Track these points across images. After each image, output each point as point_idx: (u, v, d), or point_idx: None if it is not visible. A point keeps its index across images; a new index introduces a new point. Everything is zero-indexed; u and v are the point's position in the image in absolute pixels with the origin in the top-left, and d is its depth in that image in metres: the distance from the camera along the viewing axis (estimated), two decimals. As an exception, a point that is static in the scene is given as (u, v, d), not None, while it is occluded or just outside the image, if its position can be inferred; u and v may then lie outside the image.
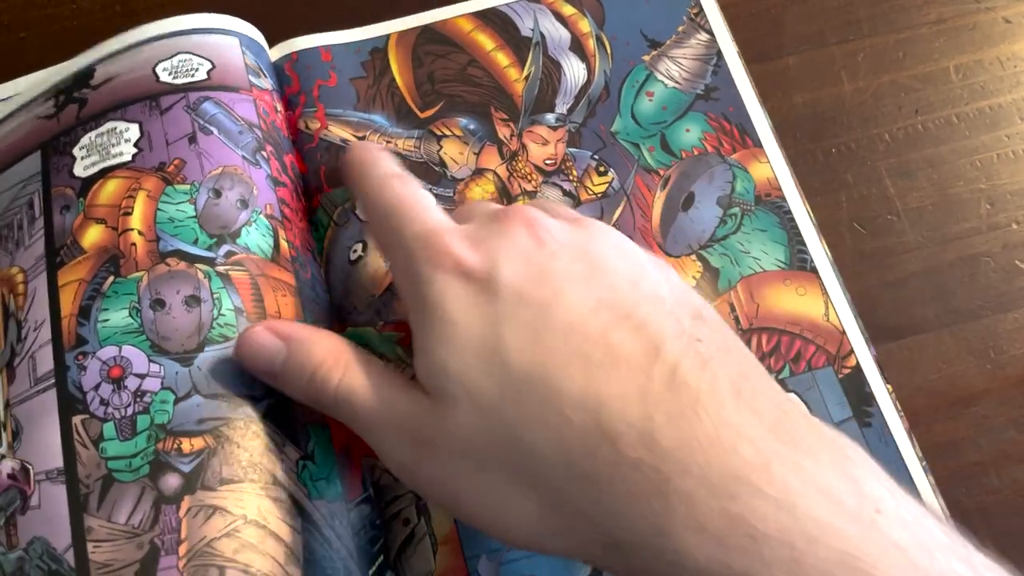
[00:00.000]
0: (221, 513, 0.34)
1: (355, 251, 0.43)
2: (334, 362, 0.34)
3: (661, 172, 0.46)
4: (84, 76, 0.43)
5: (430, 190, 0.44)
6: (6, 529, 0.33)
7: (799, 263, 0.45)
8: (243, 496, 0.34)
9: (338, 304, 0.42)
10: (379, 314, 0.42)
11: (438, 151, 0.46)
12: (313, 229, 0.44)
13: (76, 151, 0.41)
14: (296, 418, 0.36)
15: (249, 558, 0.33)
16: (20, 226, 0.40)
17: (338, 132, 0.46)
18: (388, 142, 0.46)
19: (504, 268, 0.32)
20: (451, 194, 0.45)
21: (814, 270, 0.44)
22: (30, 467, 0.34)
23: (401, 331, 0.41)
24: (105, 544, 0.33)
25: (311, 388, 0.34)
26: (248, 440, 0.35)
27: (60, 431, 0.35)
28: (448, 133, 0.47)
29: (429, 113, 0.47)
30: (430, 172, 0.46)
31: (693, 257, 0.44)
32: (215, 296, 0.38)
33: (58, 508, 0.33)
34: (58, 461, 0.34)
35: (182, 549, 0.33)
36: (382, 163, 0.39)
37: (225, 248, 0.39)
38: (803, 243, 0.45)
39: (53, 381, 0.36)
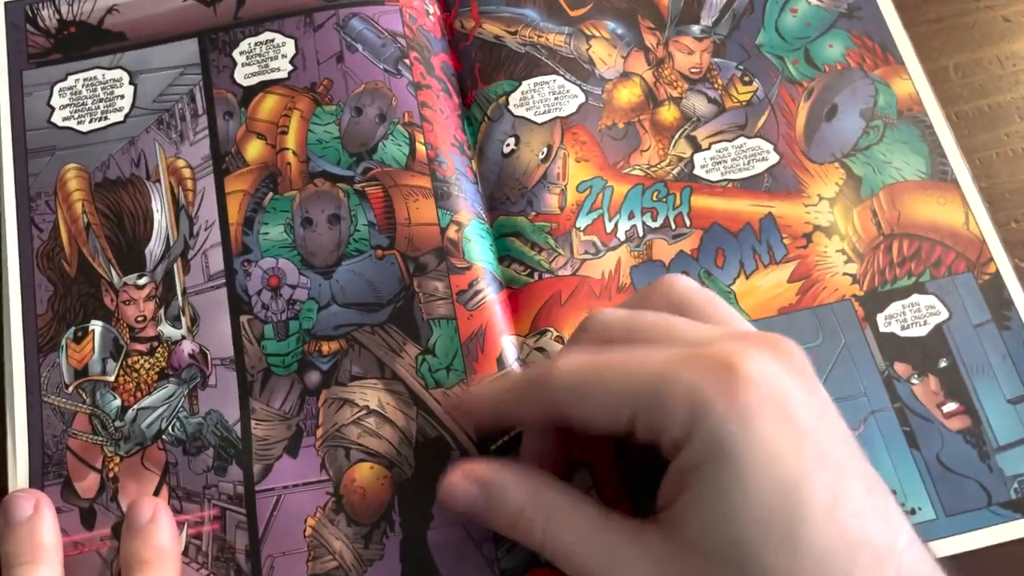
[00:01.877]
0: (349, 404, 0.40)
1: (508, 144, 0.46)
2: (532, 510, 0.33)
3: (805, 84, 0.47)
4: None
5: (579, 86, 0.47)
6: (189, 398, 0.41)
7: (940, 174, 0.45)
8: (367, 390, 0.40)
9: (489, 194, 0.45)
10: (531, 204, 0.45)
11: (587, 50, 0.48)
12: (467, 124, 0.47)
13: (236, 55, 0.46)
14: (419, 316, 0.41)
15: (368, 442, 0.39)
16: (183, 117, 0.46)
17: (491, 29, 0.48)
18: (539, 36, 0.48)
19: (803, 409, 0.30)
20: (599, 91, 0.47)
21: (955, 181, 0.45)
22: (208, 352, 0.41)
23: (552, 221, 0.44)
24: (264, 423, 0.40)
25: (517, 535, 0.34)
26: (374, 342, 0.41)
27: (231, 326, 0.41)
28: (597, 34, 0.48)
29: (579, 12, 0.49)
30: (579, 69, 0.47)
31: (836, 165, 0.45)
32: (352, 213, 0.43)
33: (230, 389, 0.41)
34: (230, 352, 0.41)
35: (319, 432, 0.40)
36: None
37: (363, 165, 0.43)
38: (944, 155, 0.45)
39: (224, 281, 0.42)
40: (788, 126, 0.46)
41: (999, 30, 0.49)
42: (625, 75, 0.48)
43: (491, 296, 0.42)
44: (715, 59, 0.48)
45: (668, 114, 0.47)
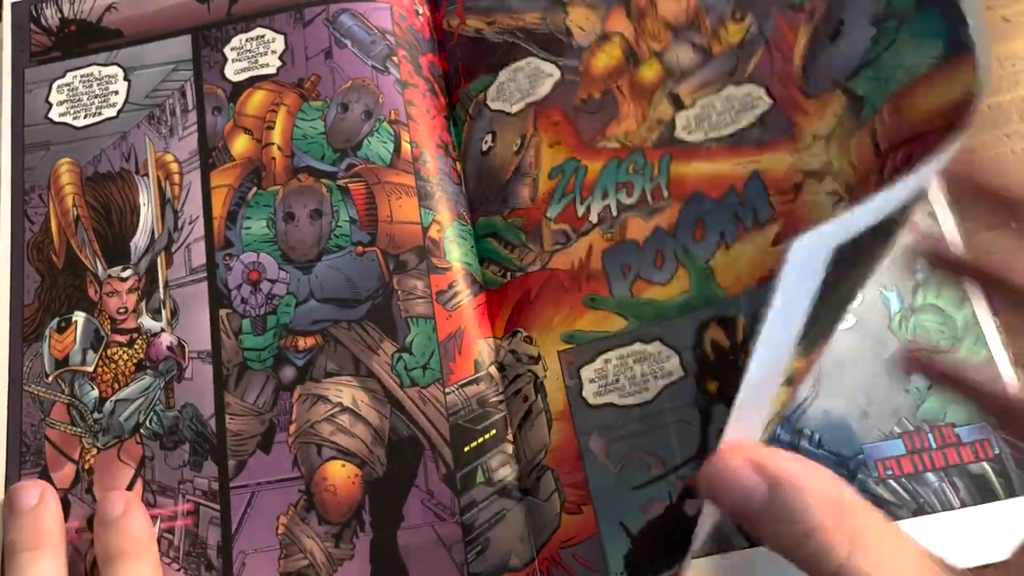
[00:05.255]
0: (323, 401, 0.39)
1: (486, 142, 0.45)
2: (836, 529, 0.26)
3: (807, 6, 0.42)
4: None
5: (555, 62, 0.45)
6: (165, 391, 0.41)
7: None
8: (342, 387, 0.39)
9: (471, 195, 0.45)
10: (505, 201, 0.44)
11: (564, 19, 0.46)
12: (452, 124, 0.46)
13: (227, 51, 0.46)
14: (397, 314, 0.41)
15: (341, 439, 0.39)
16: (172, 112, 0.46)
17: (473, 24, 0.47)
18: (515, 20, 0.47)
19: None
20: (576, 63, 0.45)
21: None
22: (185, 344, 0.41)
23: (524, 216, 0.43)
24: (238, 418, 0.40)
25: (800, 553, 0.26)
26: (350, 339, 0.40)
27: (209, 320, 0.41)
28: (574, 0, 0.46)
29: None
30: (555, 44, 0.46)
31: (836, 92, 0.40)
32: (334, 209, 0.42)
33: (206, 383, 0.40)
34: (207, 345, 0.41)
35: (292, 428, 0.39)
36: None
37: (347, 161, 0.43)
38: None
39: (205, 275, 0.42)
40: (784, 62, 0.42)
41: (999, 30, 0.48)
42: (603, 37, 0.45)
43: (470, 298, 0.41)
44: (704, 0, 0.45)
45: (649, 71, 0.44)
